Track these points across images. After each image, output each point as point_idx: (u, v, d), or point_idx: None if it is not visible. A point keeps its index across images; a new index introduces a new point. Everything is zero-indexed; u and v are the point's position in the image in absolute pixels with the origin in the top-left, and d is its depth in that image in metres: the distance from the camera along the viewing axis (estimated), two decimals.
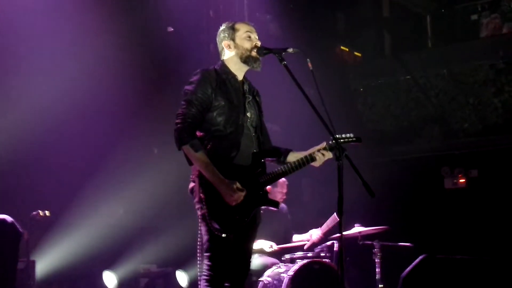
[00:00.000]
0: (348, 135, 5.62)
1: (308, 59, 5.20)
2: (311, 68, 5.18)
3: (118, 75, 10.15)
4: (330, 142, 5.54)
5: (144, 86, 10.76)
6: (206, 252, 5.44)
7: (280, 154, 5.82)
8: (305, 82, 5.28)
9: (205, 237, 5.44)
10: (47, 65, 9.28)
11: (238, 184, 5.36)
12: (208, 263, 5.42)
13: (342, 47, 14.50)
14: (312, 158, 5.58)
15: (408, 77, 13.27)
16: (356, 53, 14.76)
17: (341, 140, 5.50)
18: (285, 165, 5.63)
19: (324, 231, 9.14)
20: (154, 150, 11.02)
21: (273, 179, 5.64)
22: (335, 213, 9.07)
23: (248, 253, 5.71)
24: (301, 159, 5.61)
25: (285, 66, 5.36)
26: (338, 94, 13.06)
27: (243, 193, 5.36)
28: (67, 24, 9.57)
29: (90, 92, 9.77)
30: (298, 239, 9.32)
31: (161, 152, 10.30)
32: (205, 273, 5.42)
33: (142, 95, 10.71)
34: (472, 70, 12.62)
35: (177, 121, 5.42)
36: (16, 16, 9.09)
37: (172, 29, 11.25)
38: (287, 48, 5.47)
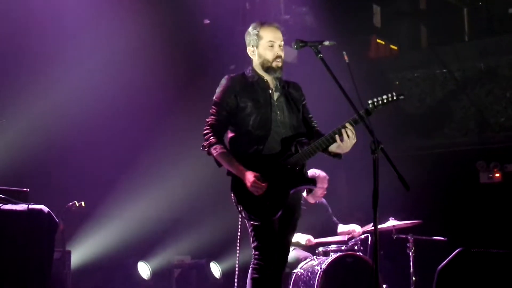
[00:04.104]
0: (384, 96, 5.41)
1: (344, 52, 5.19)
2: (347, 61, 5.18)
3: (154, 67, 10.19)
4: (356, 116, 5.39)
5: (180, 78, 10.79)
6: (252, 243, 5.59)
7: (312, 136, 5.82)
8: (341, 75, 5.26)
9: (250, 229, 5.61)
10: (81, 57, 9.34)
11: (258, 176, 5.43)
12: (255, 252, 5.58)
13: (378, 40, 14.43)
14: (336, 133, 5.49)
15: (444, 70, 13.17)
16: (392, 46, 14.69)
17: (381, 102, 5.40)
18: (312, 144, 5.62)
19: (364, 230, 9.15)
20: None
21: (300, 158, 5.63)
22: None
23: (286, 245, 5.80)
24: (325, 136, 5.58)
25: (321, 59, 5.36)
26: (373, 87, 13.00)
27: (263, 184, 5.42)
28: (102, 16, 9.61)
29: (127, 83, 9.82)
30: (342, 229, 9.31)
31: (195, 145, 10.33)
32: (253, 262, 5.58)
33: (178, 87, 10.74)
34: (509, 63, 12.51)
35: (204, 127, 5.73)
36: (52, 9, 9.15)
37: (209, 22, 11.27)
38: (323, 41, 5.47)
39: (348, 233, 9.22)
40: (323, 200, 9.38)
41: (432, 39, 14.58)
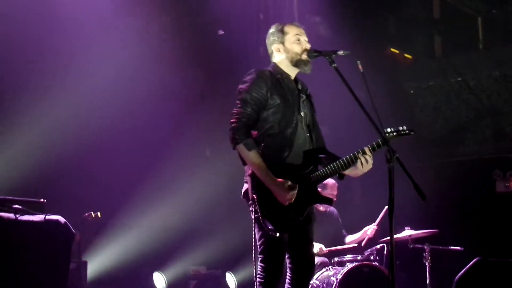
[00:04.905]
0: (400, 127, 5.35)
1: (358, 61, 5.17)
2: (361, 70, 5.16)
3: (169, 77, 10.21)
4: (374, 143, 5.40)
5: (195, 88, 10.81)
6: (260, 254, 5.43)
7: (328, 156, 5.73)
8: (355, 84, 5.25)
9: (258, 239, 5.43)
10: (97, 65, 9.36)
11: (289, 183, 5.31)
12: (262, 264, 5.42)
13: (392, 49, 14.41)
14: (357, 157, 5.41)
15: (459, 79, 13.14)
16: (406, 55, 14.66)
17: (394, 134, 5.33)
18: (333, 164, 5.50)
19: (377, 223, 9.08)
20: (206, 152, 11.03)
21: (322, 177, 5.55)
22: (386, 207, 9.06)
23: (311, 257, 5.69)
24: (347, 157, 5.46)
25: (336, 68, 5.34)
26: (388, 96, 12.98)
27: (295, 191, 5.31)
28: (119, 24, 9.65)
29: (142, 93, 9.86)
30: (351, 239, 9.28)
31: (212, 154, 10.34)
32: (260, 275, 5.42)
33: (193, 97, 10.76)
34: None
35: (232, 120, 5.44)
36: (71, 13, 9.19)
37: (223, 32, 11.29)
38: (337, 50, 5.44)
39: (361, 239, 9.18)
40: (334, 209, 9.34)
41: (446, 48, 14.55)
